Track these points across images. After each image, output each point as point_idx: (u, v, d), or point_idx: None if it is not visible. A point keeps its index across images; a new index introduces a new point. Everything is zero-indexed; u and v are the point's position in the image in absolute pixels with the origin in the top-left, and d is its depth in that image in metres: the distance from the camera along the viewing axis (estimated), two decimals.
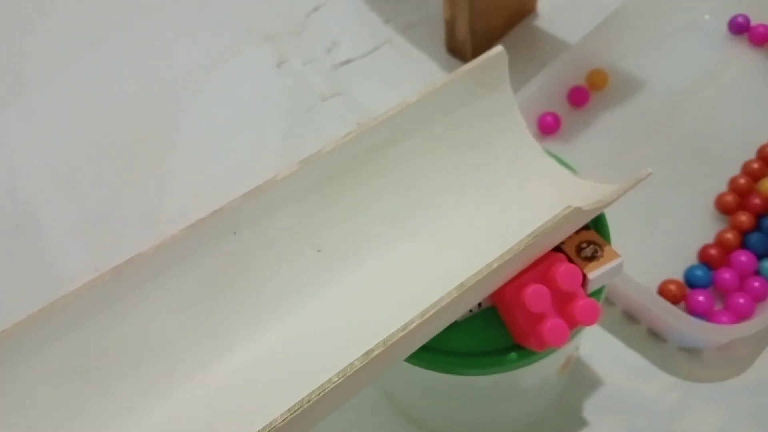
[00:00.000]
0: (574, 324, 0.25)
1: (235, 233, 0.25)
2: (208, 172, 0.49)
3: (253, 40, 0.56)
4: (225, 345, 0.25)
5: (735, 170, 0.43)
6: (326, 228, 0.27)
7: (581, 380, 0.37)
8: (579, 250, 0.27)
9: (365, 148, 0.27)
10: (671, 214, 0.42)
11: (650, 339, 0.38)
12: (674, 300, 0.38)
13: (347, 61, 0.55)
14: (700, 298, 0.37)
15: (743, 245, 0.39)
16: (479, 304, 0.27)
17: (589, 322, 0.25)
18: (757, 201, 0.40)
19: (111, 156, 0.51)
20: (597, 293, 0.27)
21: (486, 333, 0.26)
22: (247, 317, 0.26)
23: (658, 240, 0.41)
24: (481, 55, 0.51)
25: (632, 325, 0.39)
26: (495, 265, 0.22)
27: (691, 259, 0.40)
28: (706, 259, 0.39)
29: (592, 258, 0.27)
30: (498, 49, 0.30)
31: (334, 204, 0.27)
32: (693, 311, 0.37)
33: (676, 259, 0.40)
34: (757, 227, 0.40)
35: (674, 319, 0.35)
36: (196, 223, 0.25)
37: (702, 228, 0.41)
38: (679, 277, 0.39)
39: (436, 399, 0.33)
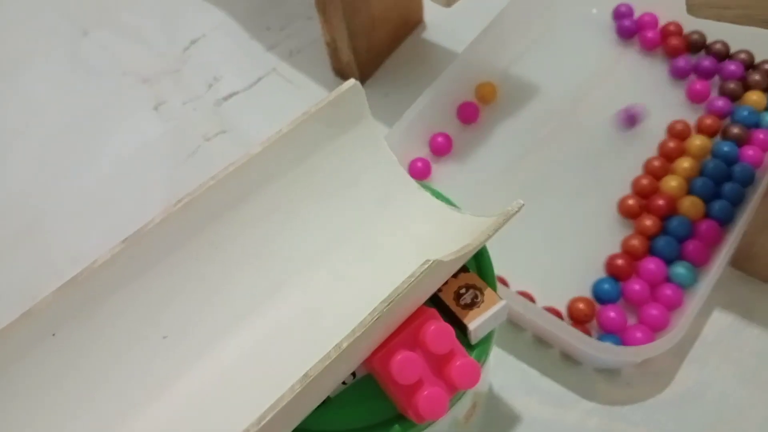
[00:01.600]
0: (453, 388, 0.22)
1: (54, 335, 0.22)
2: (88, 234, 0.45)
3: (129, 83, 0.52)
4: None
5: (637, 171, 0.41)
6: (169, 309, 0.24)
7: (498, 417, 0.35)
8: (458, 297, 0.25)
9: (202, 216, 0.24)
10: (575, 226, 0.40)
11: (565, 362, 0.36)
12: (585, 319, 0.36)
13: (230, 95, 0.51)
14: (611, 314, 0.35)
15: (651, 251, 0.38)
16: (353, 374, 0.24)
17: (469, 385, 0.22)
18: (660, 202, 0.39)
19: None
20: (485, 341, 0.25)
21: (364, 406, 0.23)
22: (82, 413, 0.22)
23: (564, 255, 0.39)
24: (368, 73, 0.49)
25: (545, 349, 0.36)
26: (344, 345, 0.19)
27: (600, 271, 0.38)
28: (613, 271, 0.37)
29: (472, 305, 0.24)
30: (350, 82, 0.27)
31: (176, 284, 0.24)
32: (605, 329, 0.35)
33: (584, 273, 0.38)
34: (663, 230, 0.38)
35: (583, 344, 0.32)
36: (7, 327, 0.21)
37: (608, 237, 0.39)
38: (588, 292, 0.37)
39: None
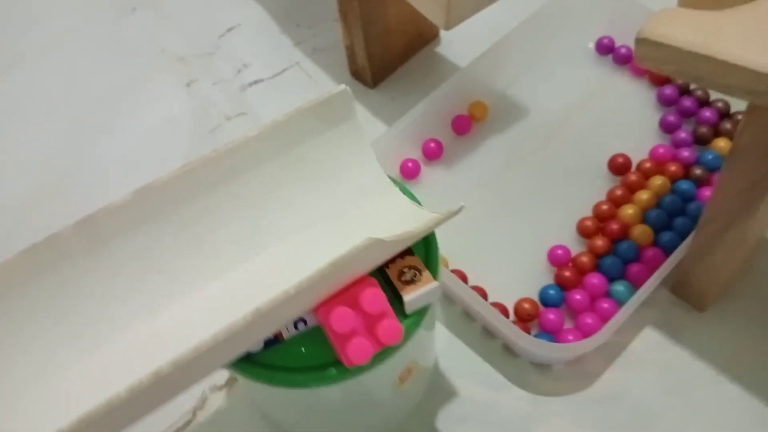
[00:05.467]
0: (379, 343, 0.27)
1: (65, 264, 0.27)
2: (110, 193, 0.51)
3: (165, 62, 0.58)
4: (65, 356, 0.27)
5: (601, 196, 0.46)
6: (166, 252, 0.29)
7: (440, 392, 0.40)
8: (401, 274, 0.30)
9: (204, 181, 0.29)
10: (537, 236, 0.45)
11: (505, 354, 0.41)
12: (528, 318, 0.40)
13: (255, 82, 0.57)
14: (551, 317, 0.40)
15: (598, 268, 0.42)
16: (305, 323, 0.29)
17: (391, 342, 0.27)
18: (615, 227, 0.43)
19: (16, 185, 0.52)
20: (419, 314, 0.30)
21: (311, 349, 0.29)
22: (81, 333, 0.28)
23: (522, 260, 0.44)
24: (380, 77, 0.54)
25: (490, 340, 0.41)
26: (292, 292, 0.24)
27: (550, 279, 0.43)
28: (560, 281, 0.42)
29: (410, 282, 0.30)
30: (341, 87, 0.32)
31: (174, 233, 0.29)
32: (543, 328, 0.40)
33: (536, 278, 0.43)
34: (612, 252, 0.43)
35: (518, 338, 0.37)
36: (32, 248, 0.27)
37: (563, 250, 0.44)
38: (536, 295, 0.42)
39: (297, 412, 0.35)
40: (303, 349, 0.29)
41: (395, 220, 0.32)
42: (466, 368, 0.40)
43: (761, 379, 0.38)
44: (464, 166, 0.49)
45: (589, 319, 0.40)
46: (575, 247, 0.44)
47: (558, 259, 0.43)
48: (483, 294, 0.41)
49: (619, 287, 0.41)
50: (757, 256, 0.43)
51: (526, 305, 0.41)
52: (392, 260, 0.30)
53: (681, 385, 0.39)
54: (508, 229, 0.45)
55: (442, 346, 0.41)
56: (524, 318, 0.40)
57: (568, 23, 0.53)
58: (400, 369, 0.32)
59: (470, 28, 0.56)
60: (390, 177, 0.34)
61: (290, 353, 0.29)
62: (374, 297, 0.27)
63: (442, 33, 0.58)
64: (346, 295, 0.27)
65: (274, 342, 0.29)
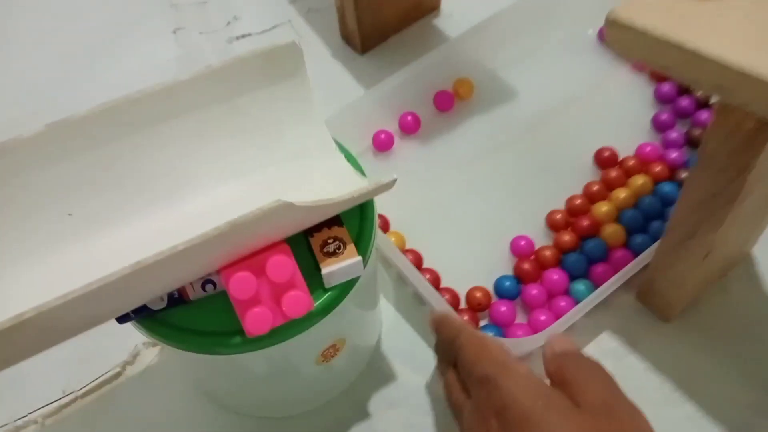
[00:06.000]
0: (283, 315, 0.26)
1: None
2: None
3: (157, 6, 0.57)
4: None
5: (577, 190, 0.43)
6: (79, 195, 0.28)
7: (376, 373, 0.38)
8: (324, 244, 0.28)
9: (125, 121, 0.28)
10: (502, 225, 0.42)
11: None
12: (479, 307, 0.38)
13: (243, 36, 0.55)
14: (502, 309, 0.38)
15: (560, 264, 0.40)
16: (214, 285, 0.27)
17: (295, 315, 0.25)
18: (585, 223, 0.41)
19: None
20: (341, 289, 0.28)
21: (217, 315, 0.27)
22: None
23: (483, 247, 0.42)
24: (370, 45, 0.52)
25: None
26: (180, 248, 0.23)
27: (510, 270, 0.41)
28: (519, 273, 0.40)
29: (332, 254, 0.28)
30: (288, 41, 0.30)
31: (90, 174, 0.28)
32: (494, 320, 0.38)
33: (495, 268, 0.41)
34: (578, 248, 0.41)
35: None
36: None
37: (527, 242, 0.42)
38: (491, 285, 0.40)
39: (217, 375, 0.34)
40: (209, 312, 0.27)
41: (332, 186, 0.30)
42: (408, 352, 0.39)
43: (714, 402, 0.36)
44: (441, 143, 0.46)
45: (542, 316, 0.38)
46: (541, 239, 0.42)
47: (520, 250, 0.41)
48: (435, 278, 0.39)
49: (580, 286, 0.39)
50: (737, 270, 0.40)
51: (478, 294, 0.38)
52: (318, 229, 0.28)
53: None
54: (474, 214, 0.43)
55: (388, 327, 0.40)
56: (474, 307, 0.38)
57: (569, 6, 0.50)
58: (321, 346, 0.31)
59: (472, 2, 0.54)
60: (337, 142, 0.32)
61: (195, 315, 0.27)
62: (281, 265, 0.25)
63: (443, 5, 0.55)
64: (254, 260, 0.26)
65: (179, 301, 0.27)
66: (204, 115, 0.30)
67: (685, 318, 0.39)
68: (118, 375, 0.38)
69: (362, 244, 0.29)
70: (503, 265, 0.41)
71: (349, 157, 0.32)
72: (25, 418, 0.37)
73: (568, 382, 0.26)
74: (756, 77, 0.24)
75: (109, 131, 0.28)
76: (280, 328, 0.26)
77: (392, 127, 0.47)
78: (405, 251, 0.40)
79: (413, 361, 0.38)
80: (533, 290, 0.39)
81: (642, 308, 0.39)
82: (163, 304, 0.27)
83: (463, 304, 0.39)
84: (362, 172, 0.31)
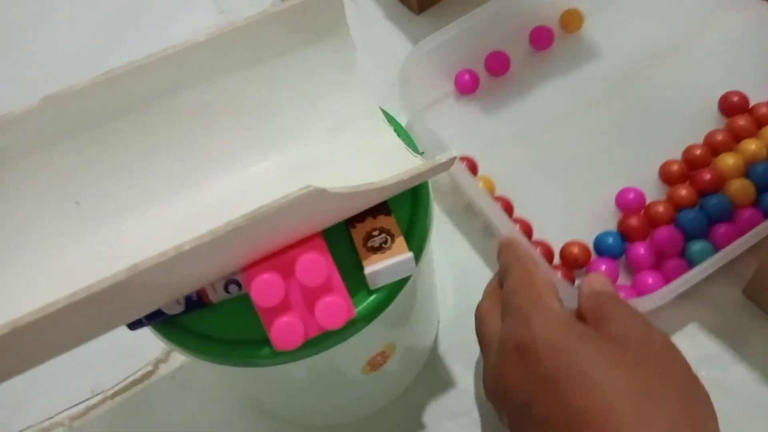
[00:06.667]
0: (317, 325, 0.21)
1: None
2: None
3: None
4: None
5: (696, 139, 0.38)
6: (84, 179, 0.24)
7: (434, 378, 0.33)
8: (368, 237, 0.23)
9: (134, 92, 0.24)
10: (609, 176, 0.37)
11: None
12: (574, 263, 0.34)
13: None
14: (603, 267, 0.33)
15: (675, 222, 0.35)
16: (238, 285, 0.23)
17: (331, 326, 0.21)
18: (707, 176, 0.35)
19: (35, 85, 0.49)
20: (388, 290, 0.23)
21: (242, 319, 0.23)
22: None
23: (584, 199, 0.37)
24: (429, 3, 0.46)
25: None
26: (187, 247, 0.18)
27: (613, 226, 0.36)
28: (624, 229, 0.35)
29: (378, 249, 0.23)
30: None
31: (97, 155, 0.24)
32: None
33: (597, 223, 0.36)
34: (697, 205, 0.35)
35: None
36: None
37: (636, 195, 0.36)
38: (591, 241, 0.35)
39: (257, 389, 0.30)
40: (235, 317, 0.23)
41: (378, 165, 0.25)
42: (472, 353, 0.34)
43: None
44: (535, 84, 0.41)
45: (650, 278, 0.33)
46: (652, 193, 0.36)
47: (627, 203, 0.36)
48: (527, 228, 0.35)
49: (698, 246, 0.33)
50: None
51: (575, 249, 0.34)
52: (361, 218, 0.24)
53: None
54: (575, 162, 0.38)
55: (447, 321, 0.35)
56: (570, 264, 0.34)
57: None
58: (368, 354, 0.26)
59: None
60: (385, 113, 0.27)
61: (218, 321, 0.23)
62: (313, 265, 0.20)
63: None
64: (282, 258, 0.21)
65: (199, 305, 0.23)
66: (225, 82, 0.25)
67: None
68: (150, 374, 0.35)
69: (415, 237, 0.24)
70: (607, 220, 0.36)
71: (400, 130, 0.27)
72: (52, 420, 0.34)
73: (605, 318, 0.24)
74: None
75: (115, 104, 0.24)
76: (315, 339, 0.22)
77: (478, 68, 0.42)
78: (495, 198, 0.36)
79: (478, 364, 0.33)
80: (641, 249, 0.34)
81: (750, 305, 0.33)
82: (181, 308, 0.23)
83: (557, 261, 0.35)
84: (415, 148, 0.26)
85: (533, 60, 0.42)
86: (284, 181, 0.25)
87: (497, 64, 0.41)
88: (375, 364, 0.27)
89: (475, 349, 0.33)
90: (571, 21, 0.42)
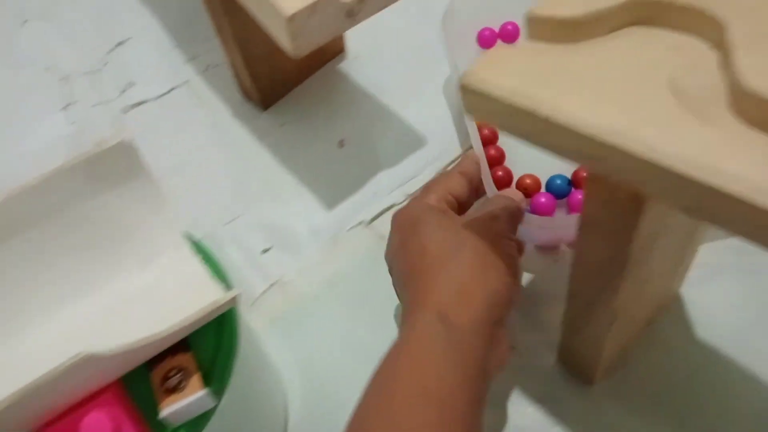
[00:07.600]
0: None
1: None
2: None
3: (47, 80, 0.54)
4: None
5: None
6: None
7: None
8: (165, 379, 0.25)
9: None
10: None
11: None
12: (525, 192, 0.39)
13: (139, 103, 0.52)
14: (542, 200, 0.39)
15: None
16: None
17: None
18: None
19: None
20: (190, 426, 0.25)
21: None
22: None
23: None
24: (272, 99, 0.48)
25: None
26: None
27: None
28: (574, 176, 0.40)
29: (174, 390, 0.24)
30: (117, 140, 0.27)
31: None
32: (533, 209, 0.39)
33: (561, 168, 0.40)
34: None
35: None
36: None
37: None
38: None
39: None
40: None
41: (186, 296, 0.27)
42: None
43: None
44: None
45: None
46: None
47: None
48: (501, 155, 0.42)
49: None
50: (667, 315, 0.37)
51: (528, 180, 0.39)
52: (161, 358, 0.25)
53: None
54: None
55: (297, 417, 0.36)
56: (522, 190, 0.39)
57: None
58: None
59: (379, 40, 0.51)
60: (194, 241, 0.29)
61: None
62: (97, 425, 0.22)
63: (352, 47, 0.52)
64: (68, 419, 0.22)
65: None
66: (36, 231, 0.26)
67: (613, 378, 0.35)
68: None
69: (217, 368, 0.26)
70: (567, 167, 0.40)
71: (207, 258, 0.29)
72: None
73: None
74: (619, 148, 0.20)
75: None
76: None
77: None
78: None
79: None
80: (579, 195, 0.39)
81: (564, 371, 0.36)
82: None
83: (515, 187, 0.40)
84: (220, 276, 0.28)
85: None
86: (97, 323, 0.26)
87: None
88: None
89: None
90: None
